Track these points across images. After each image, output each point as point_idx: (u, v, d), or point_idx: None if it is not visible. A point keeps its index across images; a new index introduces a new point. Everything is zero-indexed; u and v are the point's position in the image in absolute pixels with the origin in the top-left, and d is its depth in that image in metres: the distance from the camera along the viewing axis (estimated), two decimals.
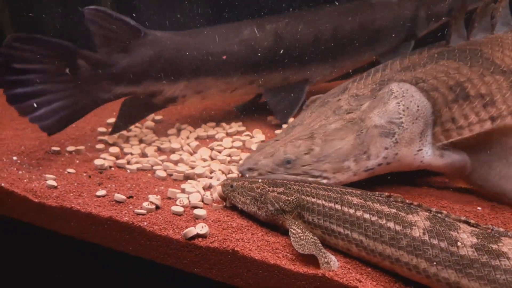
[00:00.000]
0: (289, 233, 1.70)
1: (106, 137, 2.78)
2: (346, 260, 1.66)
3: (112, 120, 3.09)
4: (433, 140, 2.10)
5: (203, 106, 3.47)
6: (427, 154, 2.07)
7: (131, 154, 2.56)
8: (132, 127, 2.97)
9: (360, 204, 1.65)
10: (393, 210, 1.60)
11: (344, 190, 1.74)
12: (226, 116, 3.27)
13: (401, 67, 2.28)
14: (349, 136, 2.04)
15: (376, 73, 2.31)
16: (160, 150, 2.66)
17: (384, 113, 2.04)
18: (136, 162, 2.44)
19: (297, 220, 1.75)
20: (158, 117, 3.16)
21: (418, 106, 2.06)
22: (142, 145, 2.71)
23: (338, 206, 1.67)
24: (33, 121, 2.46)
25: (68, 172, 2.30)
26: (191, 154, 2.59)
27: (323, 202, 1.70)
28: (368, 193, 1.71)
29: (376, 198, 1.67)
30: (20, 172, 2.29)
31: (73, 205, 1.97)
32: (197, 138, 2.84)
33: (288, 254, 1.66)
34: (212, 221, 1.85)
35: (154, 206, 1.93)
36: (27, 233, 2.22)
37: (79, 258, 2.15)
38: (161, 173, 2.30)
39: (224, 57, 2.84)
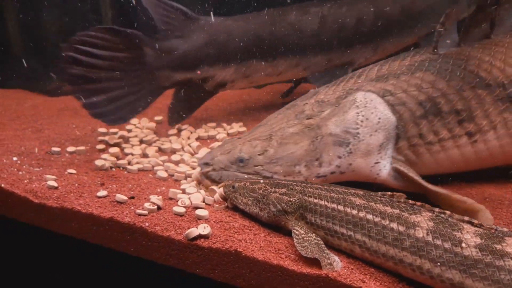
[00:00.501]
0: (292, 234, 1.69)
1: (106, 138, 2.77)
2: (349, 260, 1.66)
3: None
4: (397, 154, 2.07)
5: (203, 106, 3.46)
6: (384, 168, 2.03)
7: (132, 154, 2.55)
8: (133, 127, 2.96)
9: (363, 205, 1.64)
10: (396, 211, 1.59)
11: (346, 190, 1.73)
12: (227, 116, 3.27)
13: (377, 75, 2.22)
14: (304, 141, 2.04)
15: (350, 80, 2.26)
16: (161, 151, 2.66)
17: (341, 122, 2.03)
18: (137, 163, 2.44)
19: (299, 221, 1.74)
20: (158, 118, 3.15)
21: (379, 118, 2.02)
22: (143, 145, 2.70)
23: (340, 207, 1.67)
24: (96, 117, 2.59)
25: (69, 173, 2.29)
26: (192, 155, 2.58)
27: (326, 203, 1.70)
28: (371, 193, 1.71)
29: (379, 198, 1.66)
30: (20, 172, 2.28)
31: (74, 206, 1.96)
32: (198, 139, 2.83)
33: (291, 255, 1.65)
34: (214, 222, 1.84)
35: (155, 207, 1.92)
36: (27, 234, 2.20)
37: (80, 258, 2.13)
38: (162, 174, 2.29)
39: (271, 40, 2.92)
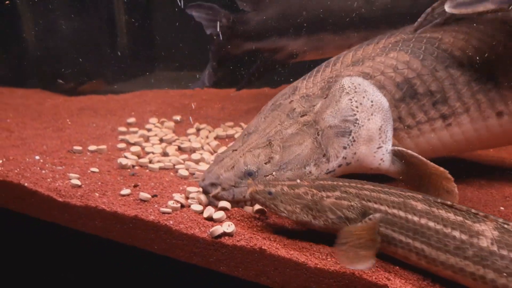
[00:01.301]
0: None
1: (127, 137, 2.79)
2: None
3: (131, 119, 3.10)
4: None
5: (220, 106, 3.47)
6: (387, 152, 1.98)
7: (153, 153, 2.57)
8: (152, 126, 2.98)
9: (424, 211, 1.55)
10: (460, 218, 1.51)
11: (404, 193, 1.63)
12: (244, 115, 3.27)
13: (352, 60, 2.15)
14: (307, 140, 1.98)
15: (326, 69, 2.18)
16: (180, 150, 2.67)
17: (337, 112, 1.97)
18: (158, 161, 2.45)
19: None
20: (176, 117, 3.17)
21: (372, 101, 1.96)
22: (163, 144, 2.72)
23: (402, 213, 1.56)
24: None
25: (92, 171, 2.31)
26: (212, 154, 2.59)
27: (386, 208, 1.59)
28: (430, 197, 1.61)
29: (441, 204, 1.57)
30: (43, 171, 2.31)
31: (98, 204, 1.98)
32: (216, 138, 2.84)
33: (316, 253, 1.65)
34: (238, 220, 1.85)
35: (179, 205, 1.93)
36: (51, 233, 2.23)
37: (104, 257, 2.15)
38: (183, 172, 2.30)
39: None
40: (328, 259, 1.62)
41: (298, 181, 1.74)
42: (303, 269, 1.61)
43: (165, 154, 2.60)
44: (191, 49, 4.06)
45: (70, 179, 2.18)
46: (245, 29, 3.00)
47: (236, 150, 2.05)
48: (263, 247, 1.67)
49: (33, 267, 2.41)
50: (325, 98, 2.03)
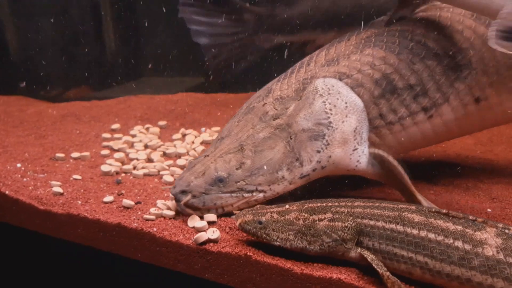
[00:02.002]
0: (369, 259, 1.52)
1: (111, 143, 2.75)
2: None
3: (116, 125, 3.07)
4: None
5: (206, 111, 3.45)
6: (363, 154, 1.95)
7: (137, 159, 2.53)
8: (137, 132, 2.95)
9: (423, 222, 1.51)
10: (459, 227, 1.47)
11: (397, 206, 1.59)
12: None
13: (326, 59, 2.10)
14: (279, 144, 1.93)
15: (300, 69, 2.13)
16: (166, 155, 2.64)
17: (311, 115, 1.92)
18: (143, 168, 2.42)
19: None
20: (162, 123, 3.13)
21: (346, 103, 1.92)
22: (148, 150, 2.68)
23: (400, 227, 1.52)
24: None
25: (74, 179, 2.27)
26: None
27: (383, 224, 1.55)
28: (423, 208, 1.58)
29: (437, 213, 1.53)
30: (24, 179, 2.26)
31: (80, 212, 1.94)
32: (202, 143, 2.81)
33: (302, 258, 1.63)
34: (223, 226, 1.82)
35: (161, 212, 1.90)
36: (33, 241, 2.19)
37: (87, 266, 2.12)
38: (168, 178, 2.27)
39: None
40: (314, 265, 1.59)
41: (287, 206, 1.69)
42: (289, 275, 1.59)
43: (150, 160, 2.57)
44: (176, 54, 4.03)
45: (52, 187, 2.14)
46: (276, 22, 3.06)
47: (208, 155, 2.00)
48: (248, 254, 1.64)
49: (14, 277, 2.36)
50: (299, 100, 1.99)
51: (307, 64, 2.13)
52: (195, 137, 2.90)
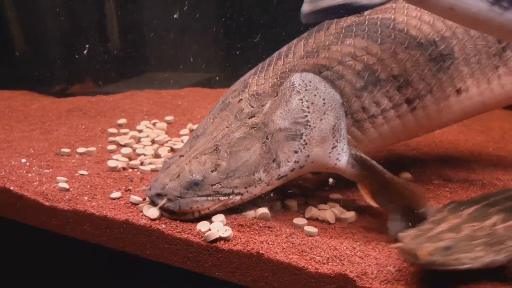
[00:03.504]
0: None
1: (117, 138, 2.71)
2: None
3: (122, 120, 3.02)
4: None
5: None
6: (343, 151, 1.88)
7: (144, 155, 2.48)
8: (144, 127, 2.91)
9: None
10: None
11: None
12: None
13: (305, 51, 2.01)
14: (255, 145, 1.86)
15: (278, 61, 2.03)
16: (173, 151, 2.59)
17: (288, 114, 1.85)
18: (150, 163, 2.37)
19: None
20: (169, 118, 3.09)
21: (324, 99, 1.85)
22: (155, 145, 2.64)
23: None
24: None
25: (80, 174, 2.23)
26: None
27: None
28: None
29: None
30: (29, 174, 2.22)
31: (86, 208, 1.90)
32: None
33: (316, 257, 1.58)
34: (233, 223, 1.77)
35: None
36: (38, 238, 2.15)
37: (93, 263, 2.08)
38: None
39: None
40: (330, 263, 1.54)
41: (445, 221, 1.49)
42: (303, 274, 1.54)
43: (157, 155, 2.52)
44: (182, 49, 4.00)
45: (58, 183, 2.10)
46: None
47: (183, 155, 1.93)
48: (260, 251, 1.60)
49: (18, 275, 2.33)
50: (275, 97, 1.92)
51: (285, 56, 2.04)
52: None
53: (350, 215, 1.91)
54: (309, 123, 1.83)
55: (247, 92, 1.98)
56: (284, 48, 2.10)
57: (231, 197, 1.84)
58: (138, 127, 2.91)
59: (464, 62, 1.98)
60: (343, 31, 2.01)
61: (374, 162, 1.85)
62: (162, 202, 1.80)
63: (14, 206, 2.09)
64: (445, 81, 1.98)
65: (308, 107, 1.84)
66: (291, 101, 1.86)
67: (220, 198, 1.82)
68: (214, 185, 1.82)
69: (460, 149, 2.68)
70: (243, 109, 1.94)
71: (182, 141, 2.70)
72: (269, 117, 1.88)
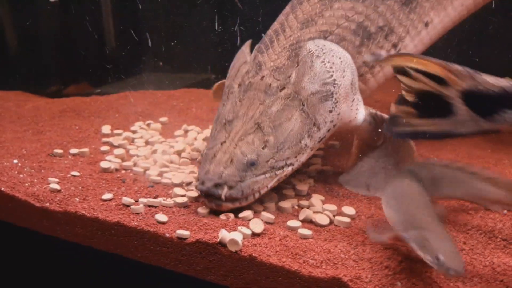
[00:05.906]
0: None
1: (111, 139, 2.68)
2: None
3: (107, 128, 2.98)
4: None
5: (209, 108, 3.37)
6: (359, 101, 2.07)
7: (137, 156, 2.45)
8: (138, 128, 2.88)
9: None
10: None
11: None
12: None
13: (300, 22, 2.13)
14: (294, 114, 1.93)
15: (279, 37, 2.13)
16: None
17: (315, 77, 1.95)
18: (143, 164, 2.34)
19: None
20: (163, 119, 3.06)
21: (340, 58, 2.00)
22: (149, 146, 2.61)
23: None
24: None
25: (72, 175, 2.20)
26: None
27: None
28: None
29: None
30: (21, 175, 2.19)
31: (78, 210, 1.87)
32: (205, 139, 2.74)
33: (310, 260, 1.56)
34: (227, 226, 1.75)
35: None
36: (29, 240, 2.13)
37: (84, 265, 2.05)
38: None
39: None
40: (323, 267, 1.52)
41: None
42: (296, 278, 1.52)
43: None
44: (178, 50, 3.97)
45: (49, 184, 2.07)
46: None
47: (224, 142, 1.94)
48: (253, 254, 1.58)
49: (10, 278, 2.30)
50: (297, 66, 2.00)
51: (282, 31, 2.15)
52: (197, 133, 2.83)
53: (345, 218, 1.89)
54: (336, 82, 1.95)
55: (267, 69, 2.05)
56: (277, 26, 2.21)
57: (284, 169, 1.90)
58: (132, 128, 2.88)
59: None
60: None
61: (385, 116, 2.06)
62: (224, 190, 1.81)
63: (6, 207, 2.06)
64: (416, 20, 2.23)
65: (331, 67, 1.96)
66: (314, 66, 1.96)
67: (276, 173, 1.88)
68: (268, 161, 1.87)
69: (457, 151, 2.66)
70: (270, 84, 2.00)
71: (176, 142, 2.67)
72: (298, 85, 1.96)
